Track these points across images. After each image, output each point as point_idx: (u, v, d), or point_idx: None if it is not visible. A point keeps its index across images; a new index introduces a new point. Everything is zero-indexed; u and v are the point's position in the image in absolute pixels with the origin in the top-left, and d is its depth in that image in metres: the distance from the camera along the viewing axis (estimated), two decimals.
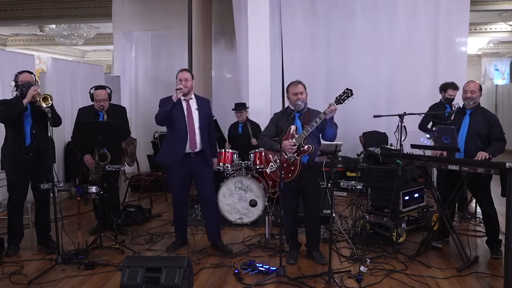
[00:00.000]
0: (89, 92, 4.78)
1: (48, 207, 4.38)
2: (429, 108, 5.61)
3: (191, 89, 4.23)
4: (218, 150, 4.97)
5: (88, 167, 4.70)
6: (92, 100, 4.74)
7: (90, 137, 4.20)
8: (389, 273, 3.74)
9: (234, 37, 7.54)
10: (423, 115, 5.30)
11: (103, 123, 4.52)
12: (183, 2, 7.36)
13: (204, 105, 4.32)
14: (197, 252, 4.29)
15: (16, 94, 4.23)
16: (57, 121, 4.26)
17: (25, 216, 4.53)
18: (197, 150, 4.22)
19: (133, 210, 5.37)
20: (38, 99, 3.99)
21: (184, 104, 4.23)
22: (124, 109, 5.02)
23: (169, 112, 4.12)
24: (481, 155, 3.93)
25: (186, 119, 4.20)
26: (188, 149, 4.20)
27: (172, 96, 4.13)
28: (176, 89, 4.09)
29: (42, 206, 4.36)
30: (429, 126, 5.50)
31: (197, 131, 4.21)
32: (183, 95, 4.16)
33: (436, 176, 4.66)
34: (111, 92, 4.81)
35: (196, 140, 4.21)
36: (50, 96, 4.04)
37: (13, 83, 4.21)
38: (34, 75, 4.29)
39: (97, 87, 4.76)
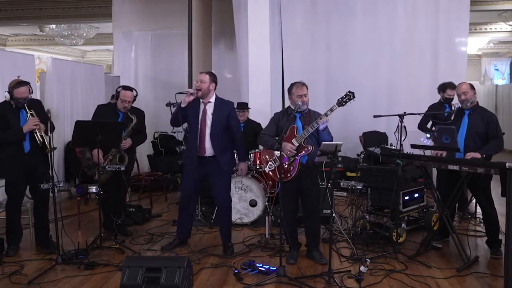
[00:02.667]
0: (116, 90, 4.65)
1: (47, 208, 4.37)
2: (428, 108, 5.62)
3: (208, 91, 4.16)
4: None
5: (95, 163, 4.55)
6: (116, 99, 4.63)
7: (90, 137, 4.18)
8: (389, 273, 3.74)
9: (234, 37, 7.54)
10: (422, 115, 5.30)
11: (103, 123, 4.47)
12: (183, 2, 7.37)
13: (223, 109, 4.18)
14: (197, 252, 4.29)
15: (11, 103, 4.10)
16: (50, 129, 4.20)
17: (25, 216, 4.53)
18: (206, 155, 4.17)
19: (133, 210, 5.37)
20: (38, 137, 3.98)
21: (202, 107, 4.19)
22: (143, 112, 4.88)
23: (177, 115, 4.13)
24: (470, 155, 3.94)
25: (199, 122, 4.17)
26: (199, 153, 4.18)
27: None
28: (179, 93, 4.09)
29: (41, 207, 4.33)
30: (429, 126, 5.51)
31: (207, 137, 4.15)
32: (200, 98, 4.15)
33: (436, 176, 4.66)
34: (136, 94, 4.70)
35: (205, 145, 4.16)
36: (51, 148, 3.99)
37: (7, 95, 4.06)
38: (29, 85, 4.15)
39: (124, 87, 4.65)
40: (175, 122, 4.22)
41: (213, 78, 4.22)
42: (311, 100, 4.13)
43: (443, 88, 5.54)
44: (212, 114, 4.17)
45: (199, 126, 4.16)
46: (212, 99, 4.22)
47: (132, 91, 4.65)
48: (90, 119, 4.82)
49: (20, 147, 4.12)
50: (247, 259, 4.05)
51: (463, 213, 5.29)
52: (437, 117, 5.15)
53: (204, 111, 4.18)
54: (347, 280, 3.63)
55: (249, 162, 5.46)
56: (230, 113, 4.24)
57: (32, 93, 4.20)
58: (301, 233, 4.27)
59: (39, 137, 4.04)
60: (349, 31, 7.52)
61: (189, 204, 4.37)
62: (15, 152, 4.11)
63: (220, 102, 4.24)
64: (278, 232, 4.20)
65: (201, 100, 4.19)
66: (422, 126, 5.50)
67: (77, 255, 4.07)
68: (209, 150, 4.16)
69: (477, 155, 3.94)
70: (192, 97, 4.10)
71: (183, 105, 4.12)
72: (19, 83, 4.08)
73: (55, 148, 3.96)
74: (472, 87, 4.23)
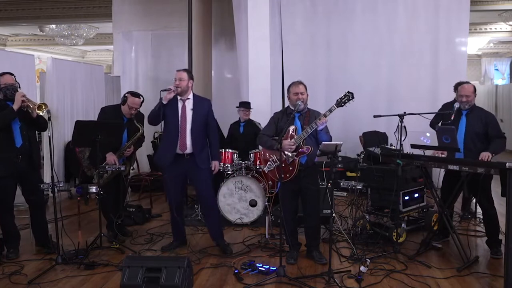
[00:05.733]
0: (124, 95, 4.62)
1: (43, 210, 4.36)
2: (442, 106, 5.61)
3: (187, 89, 4.17)
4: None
5: (109, 164, 4.47)
6: (123, 104, 4.59)
7: (90, 137, 4.16)
8: (389, 273, 3.74)
9: (234, 37, 7.54)
10: (423, 115, 5.27)
11: (103, 124, 4.46)
12: (183, 2, 7.35)
13: (201, 106, 4.24)
14: (197, 252, 4.29)
15: (1, 101, 4.07)
16: (43, 127, 4.20)
17: (25, 216, 4.52)
18: (187, 152, 4.17)
19: (133, 210, 5.37)
20: (31, 106, 3.94)
21: (180, 104, 4.20)
22: (143, 115, 4.83)
23: (159, 112, 4.11)
24: (484, 155, 3.91)
25: (179, 119, 4.17)
26: (178, 150, 4.17)
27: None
28: (163, 90, 4.08)
29: (37, 209, 4.28)
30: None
31: (188, 132, 4.16)
32: (178, 95, 4.15)
33: (443, 176, 4.64)
34: (143, 100, 4.66)
35: (186, 141, 4.16)
36: (45, 105, 3.96)
37: None
38: (15, 76, 4.15)
39: (133, 94, 4.60)
40: (155, 119, 4.18)
41: (191, 75, 4.26)
42: (311, 100, 4.14)
43: (457, 87, 5.55)
44: (191, 110, 4.19)
45: (179, 123, 4.16)
46: (190, 96, 4.24)
47: (140, 97, 4.63)
48: (90, 119, 4.79)
49: (11, 142, 4.04)
50: (247, 259, 4.06)
51: (465, 212, 5.30)
52: (445, 116, 5.12)
53: (184, 108, 4.19)
54: (347, 280, 3.63)
55: (249, 162, 5.46)
56: (209, 110, 4.30)
57: (20, 88, 4.15)
58: (301, 233, 4.27)
59: (34, 109, 3.93)
60: (349, 31, 7.52)
61: (180, 211, 4.40)
62: (7, 147, 4.03)
63: (198, 99, 4.29)
64: (278, 232, 4.20)
65: (178, 97, 4.19)
66: (434, 125, 5.47)
67: (77, 255, 4.07)
68: (189, 146, 4.17)
69: (489, 155, 3.91)
70: (172, 94, 4.11)
71: (164, 102, 4.11)
72: (3, 72, 4.13)
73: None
74: (475, 90, 4.27)
